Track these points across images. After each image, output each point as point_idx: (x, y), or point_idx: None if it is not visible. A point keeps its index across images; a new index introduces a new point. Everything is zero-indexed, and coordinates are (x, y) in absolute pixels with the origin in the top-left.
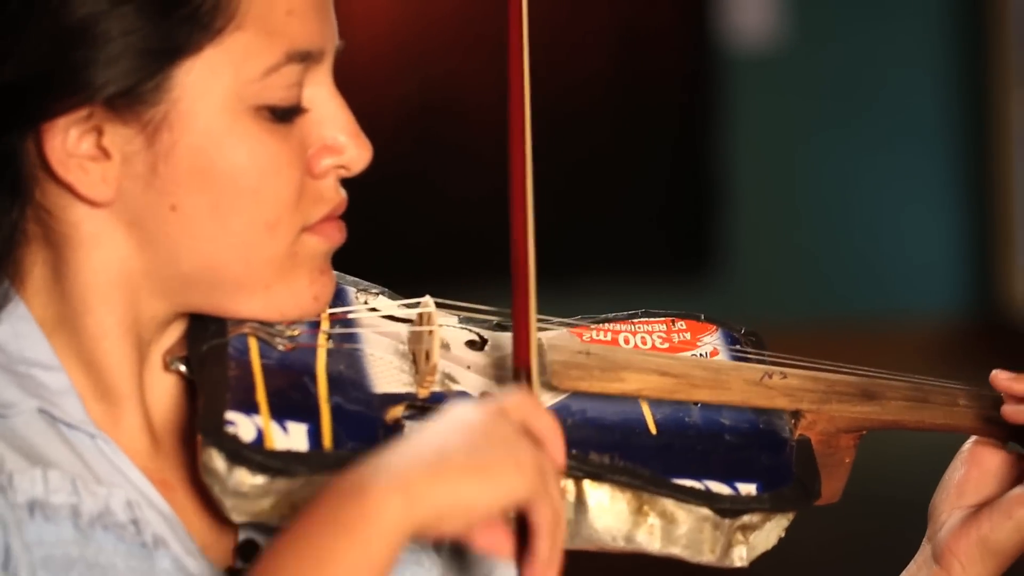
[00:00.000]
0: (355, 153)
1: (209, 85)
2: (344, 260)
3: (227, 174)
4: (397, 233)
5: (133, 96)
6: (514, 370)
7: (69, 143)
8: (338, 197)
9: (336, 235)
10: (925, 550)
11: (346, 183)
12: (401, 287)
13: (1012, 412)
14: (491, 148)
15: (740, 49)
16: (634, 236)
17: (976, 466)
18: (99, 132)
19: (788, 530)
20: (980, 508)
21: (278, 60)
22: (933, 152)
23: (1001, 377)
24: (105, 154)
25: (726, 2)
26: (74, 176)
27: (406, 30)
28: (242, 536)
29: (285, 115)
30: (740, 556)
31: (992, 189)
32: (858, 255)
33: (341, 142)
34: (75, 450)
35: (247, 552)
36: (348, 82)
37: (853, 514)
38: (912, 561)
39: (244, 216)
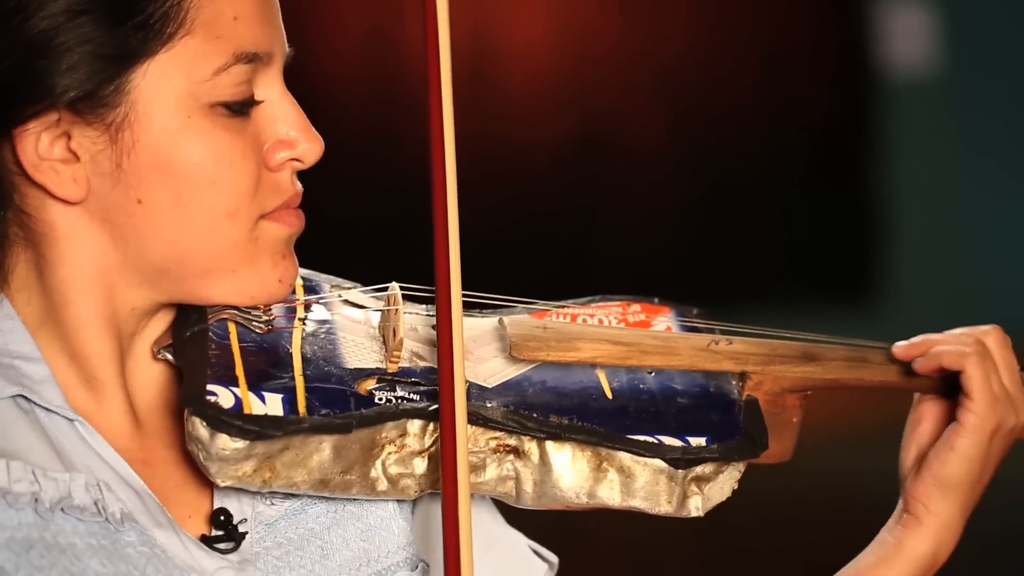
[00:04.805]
0: (306, 147)
1: (164, 86)
2: (517, 291)
3: (186, 167)
4: (560, 266)
5: (94, 100)
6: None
7: (41, 148)
8: (293, 188)
9: (294, 222)
10: (898, 505)
11: (507, 220)
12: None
13: (918, 366)
14: (648, 180)
15: (899, 75)
16: (794, 262)
17: (924, 419)
18: (68, 136)
19: None
20: (928, 451)
21: (226, 61)
22: None
23: (899, 348)
24: (74, 156)
25: (884, 28)
26: (47, 178)
27: (565, 68)
28: (216, 505)
29: (239, 109)
30: (696, 506)
31: None
32: (1020, 280)
33: (293, 136)
34: (48, 435)
35: (219, 520)
36: (510, 119)
37: None
38: (890, 518)
39: (205, 205)
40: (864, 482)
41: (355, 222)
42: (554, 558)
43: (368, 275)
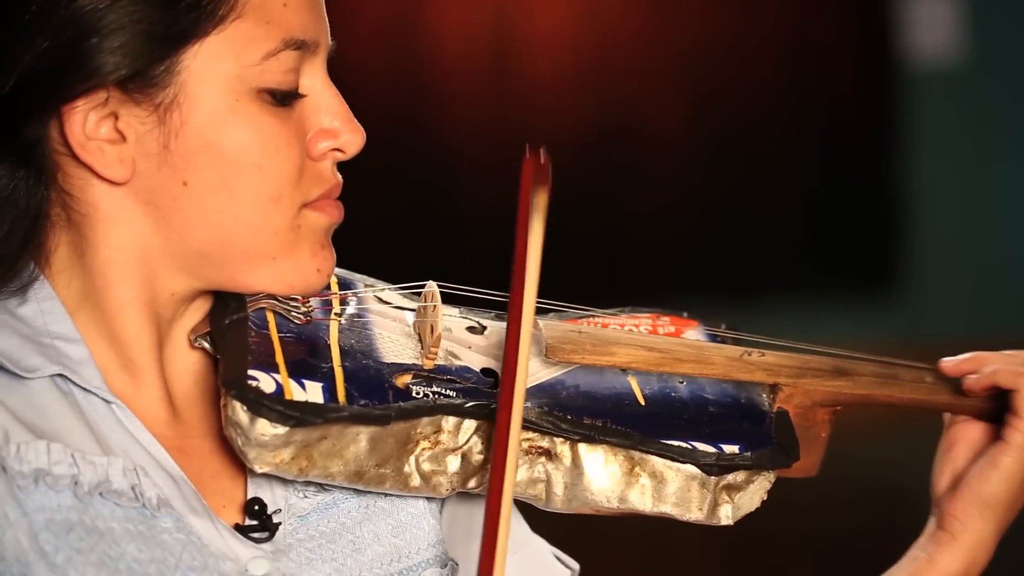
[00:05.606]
0: (349, 137)
1: (213, 68)
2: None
3: (233, 150)
4: (580, 252)
5: (144, 79)
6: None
7: (88, 127)
8: (335, 179)
9: (335, 212)
10: (930, 523)
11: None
12: (590, 303)
13: (970, 383)
14: (669, 168)
15: (923, 63)
16: (815, 251)
17: (961, 439)
18: (115, 116)
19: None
20: (969, 469)
21: (276, 46)
22: None
23: (947, 364)
24: (121, 136)
25: (907, 18)
26: (93, 157)
27: (586, 56)
28: (250, 495)
29: (284, 99)
30: (726, 515)
31: None
32: None
33: (336, 127)
34: (86, 418)
35: (254, 509)
36: (532, 107)
37: None
38: (921, 535)
39: (250, 189)
40: (878, 471)
41: (378, 215)
42: (576, 565)
43: (390, 269)
